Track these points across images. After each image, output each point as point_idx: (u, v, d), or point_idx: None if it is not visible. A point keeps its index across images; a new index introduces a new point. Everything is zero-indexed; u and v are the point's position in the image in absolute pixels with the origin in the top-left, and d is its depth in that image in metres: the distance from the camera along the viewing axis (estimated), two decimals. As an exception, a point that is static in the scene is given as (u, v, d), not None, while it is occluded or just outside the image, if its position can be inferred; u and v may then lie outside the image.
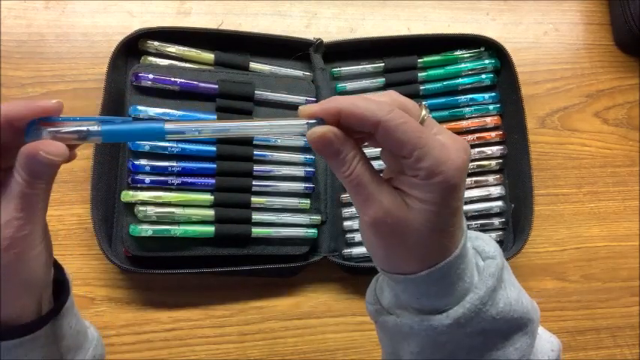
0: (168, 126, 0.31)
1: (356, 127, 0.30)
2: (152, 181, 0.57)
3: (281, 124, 0.32)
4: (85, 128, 0.30)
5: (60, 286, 0.37)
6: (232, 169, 0.60)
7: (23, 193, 0.29)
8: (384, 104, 0.30)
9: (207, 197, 0.59)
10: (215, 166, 0.59)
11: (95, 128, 0.30)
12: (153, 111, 0.58)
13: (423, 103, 0.33)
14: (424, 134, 0.29)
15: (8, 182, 0.30)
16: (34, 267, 0.32)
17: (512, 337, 0.35)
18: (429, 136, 0.30)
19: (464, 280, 0.33)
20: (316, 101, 0.65)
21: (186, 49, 0.62)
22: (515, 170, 0.66)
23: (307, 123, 0.31)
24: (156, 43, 0.61)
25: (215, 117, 0.60)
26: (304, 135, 0.31)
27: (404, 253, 0.32)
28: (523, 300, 0.35)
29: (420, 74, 0.66)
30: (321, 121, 0.30)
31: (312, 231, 0.61)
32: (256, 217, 0.60)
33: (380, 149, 0.33)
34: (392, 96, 0.32)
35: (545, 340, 0.38)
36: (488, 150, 0.66)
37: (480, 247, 0.36)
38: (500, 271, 0.34)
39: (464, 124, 0.66)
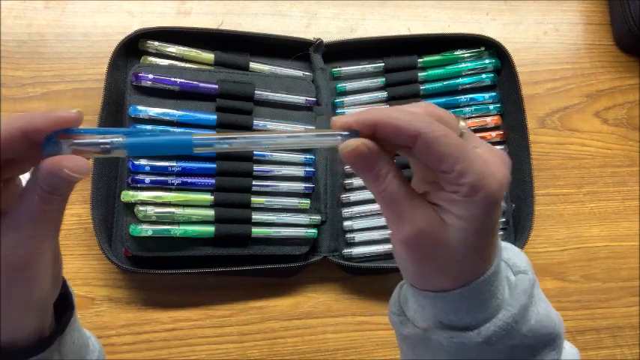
0: (196, 139, 0.29)
1: (392, 140, 0.28)
2: (152, 181, 0.57)
3: (313, 135, 0.30)
4: (108, 141, 0.28)
5: (61, 298, 0.35)
6: (232, 169, 0.60)
7: (39, 210, 0.27)
8: (422, 116, 0.28)
9: (207, 197, 0.59)
10: (215, 166, 0.59)
11: (119, 141, 0.28)
12: (153, 111, 0.58)
13: (461, 115, 0.32)
14: (465, 148, 0.28)
15: (19, 197, 0.28)
16: (45, 287, 0.30)
17: (540, 352, 0.34)
18: (470, 149, 0.28)
19: (496, 296, 0.32)
20: (316, 101, 0.65)
21: (186, 49, 0.62)
22: (516, 170, 0.66)
23: (340, 135, 0.29)
24: (156, 43, 0.61)
25: (215, 117, 0.60)
26: (336, 148, 0.29)
27: (437, 271, 0.30)
28: (552, 314, 0.34)
29: (420, 74, 0.66)
30: (354, 133, 0.29)
31: (312, 231, 0.61)
32: (256, 217, 0.60)
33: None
34: (428, 107, 0.30)
35: (568, 351, 0.37)
36: (489, 150, 0.66)
37: (511, 260, 0.35)
38: (532, 287, 0.33)
39: (464, 124, 0.66)
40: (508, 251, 0.35)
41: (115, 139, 0.28)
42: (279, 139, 0.30)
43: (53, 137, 0.28)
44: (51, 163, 0.27)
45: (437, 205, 0.29)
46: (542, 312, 0.33)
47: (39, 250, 0.28)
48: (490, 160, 0.29)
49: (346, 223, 0.63)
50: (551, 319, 0.34)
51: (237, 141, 0.29)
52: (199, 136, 0.29)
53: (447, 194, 0.28)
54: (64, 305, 0.35)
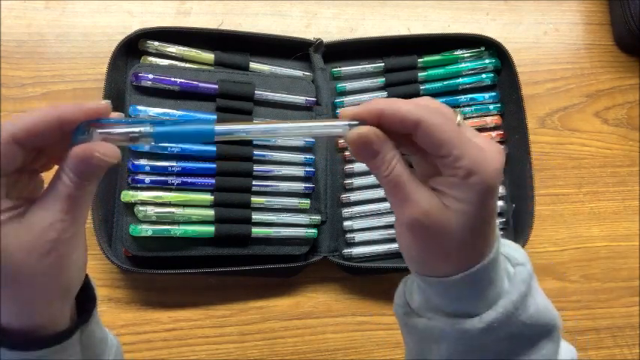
0: (217, 128, 0.31)
1: (396, 128, 0.31)
2: (152, 181, 0.57)
3: (322, 125, 0.32)
4: (137, 130, 0.30)
5: (82, 290, 0.35)
6: (232, 169, 0.60)
7: (70, 194, 0.29)
8: (423, 106, 0.30)
9: (207, 197, 0.59)
10: (215, 166, 0.59)
11: (147, 130, 0.30)
12: (153, 111, 0.58)
13: (459, 110, 0.34)
14: (462, 134, 0.30)
15: (51, 182, 0.29)
16: (73, 271, 0.31)
17: (538, 343, 0.35)
18: (467, 137, 0.30)
19: (496, 284, 0.33)
20: (316, 101, 0.65)
21: (186, 49, 0.62)
22: (516, 170, 0.66)
23: (348, 124, 0.31)
24: (156, 43, 0.61)
25: (215, 117, 0.60)
26: (342, 137, 0.31)
27: (439, 255, 0.32)
28: (550, 307, 0.36)
29: (420, 74, 0.66)
30: (362, 123, 0.31)
31: (312, 231, 0.61)
32: (256, 217, 0.60)
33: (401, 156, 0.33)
34: (428, 100, 0.32)
35: (566, 348, 0.38)
36: (489, 150, 0.66)
37: (510, 254, 0.36)
38: (530, 277, 0.34)
39: (464, 124, 0.66)
40: (506, 246, 0.37)
41: (143, 128, 0.30)
42: (293, 128, 0.32)
43: (83, 126, 0.29)
44: (83, 149, 0.29)
45: (438, 190, 0.31)
46: (540, 303, 0.35)
47: (68, 234, 0.29)
48: (485, 148, 0.30)
49: (346, 223, 0.63)
50: (549, 310, 0.35)
51: (255, 128, 0.32)
52: (220, 125, 0.31)
53: (447, 178, 0.30)
54: (85, 297, 0.35)
